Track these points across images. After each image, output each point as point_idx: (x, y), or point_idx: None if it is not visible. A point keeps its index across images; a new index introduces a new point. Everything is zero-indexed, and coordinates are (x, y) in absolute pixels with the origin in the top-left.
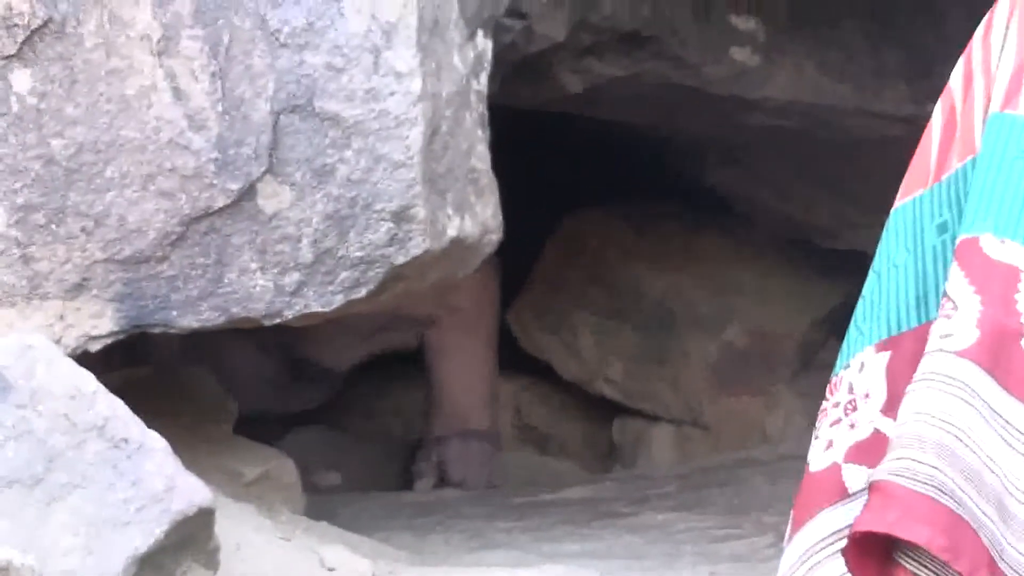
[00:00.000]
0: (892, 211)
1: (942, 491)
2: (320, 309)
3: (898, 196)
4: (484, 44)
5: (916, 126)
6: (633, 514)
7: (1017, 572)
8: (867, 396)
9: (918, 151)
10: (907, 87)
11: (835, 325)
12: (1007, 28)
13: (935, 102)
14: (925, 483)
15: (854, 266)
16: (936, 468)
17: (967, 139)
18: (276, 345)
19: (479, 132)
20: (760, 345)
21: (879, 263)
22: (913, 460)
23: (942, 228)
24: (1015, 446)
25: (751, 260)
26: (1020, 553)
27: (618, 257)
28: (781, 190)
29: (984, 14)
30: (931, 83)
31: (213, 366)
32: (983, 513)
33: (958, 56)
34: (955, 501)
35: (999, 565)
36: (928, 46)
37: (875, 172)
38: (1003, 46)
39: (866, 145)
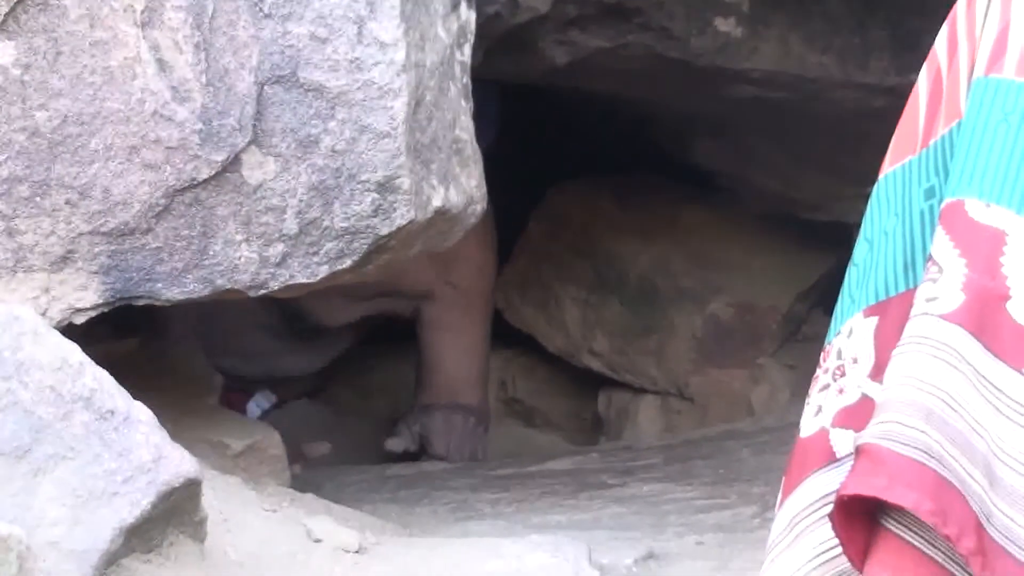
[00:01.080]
0: (881, 178)
1: (929, 455)
2: (305, 280)
3: (886, 163)
4: (468, 15)
5: (901, 97)
6: (619, 485)
7: (1004, 536)
8: (855, 361)
9: (904, 117)
10: (892, 58)
11: (820, 297)
12: None
13: (919, 74)
14: (912, 447)
15: (838, 238)
16: (923, 432)
17: (952, 104)
18: (274, 300)
19: (463, 103)
20: (745, 318)
21: (871, 231)
22: (900, 424)
23: (929, 193)
24: (1003, 410)
25: (736, 233)
26: (1008, 517)
27: (603, 230)
28: (766, 163)
29: None
30: (916, 54)
31: (208, 318)
32: (971, 477)
33: (942, 26)
34: (942, 465)
35: (986, 529)
36: (912, 18)
37: (860, 144)
38: (987, 10)
39: (851, 117)
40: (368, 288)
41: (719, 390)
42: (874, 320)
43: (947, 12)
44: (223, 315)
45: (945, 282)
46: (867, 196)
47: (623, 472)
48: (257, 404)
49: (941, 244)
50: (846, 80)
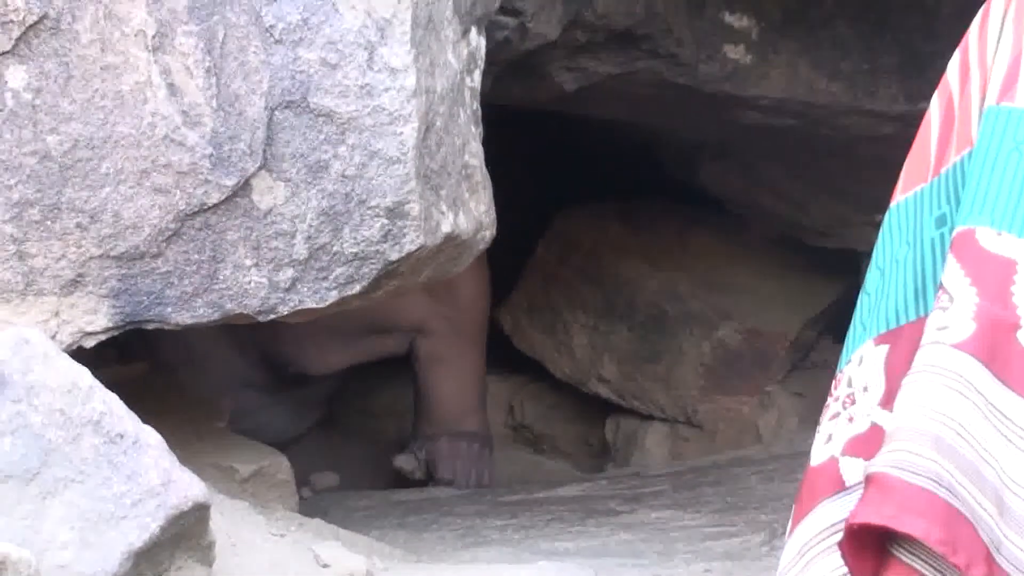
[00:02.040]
0: (893, 206)
1: (939, 484)
2: (314, 305)
3: (898, 191)
4: (478, 41)
5: (909, 124)
6: (627, 512)
7: (1014, 567)
8: (865, 389)
9: (916, 145)
10: (900, 85)
11: (828, 324)
12: (1003, 20)
13: (928, 100)
14: (922, 476)
15: (847, 264)
16: (934, 461)
17: (964, 132)
18: (255, 349)
19: (473, 128)
20: (753, 344)
21: (882, 259)
22: (910, 452)
23: (940, 221)
24: (1013, 440)
25: (744, 259)
26: (1017, 547)
27: (611, 256)
28: (775, 189)
29: (976, 11)
30: (924, 81)
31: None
32: (981, 507)
33: (951, 53)
34: (952, 494)
35: (996, 559)
36: (921, 44)
37: (869, 170)
38: (999, 38)
39: (860, 143)
40: (360, 324)
41: (727, 417)
42: (885, 348)
43: (956, 37)
44: (208, 375)
45: (956, 311)
46: (876, 223)
47: (631, 499)
48: None
49: (952, 273)
50: (855, 106)
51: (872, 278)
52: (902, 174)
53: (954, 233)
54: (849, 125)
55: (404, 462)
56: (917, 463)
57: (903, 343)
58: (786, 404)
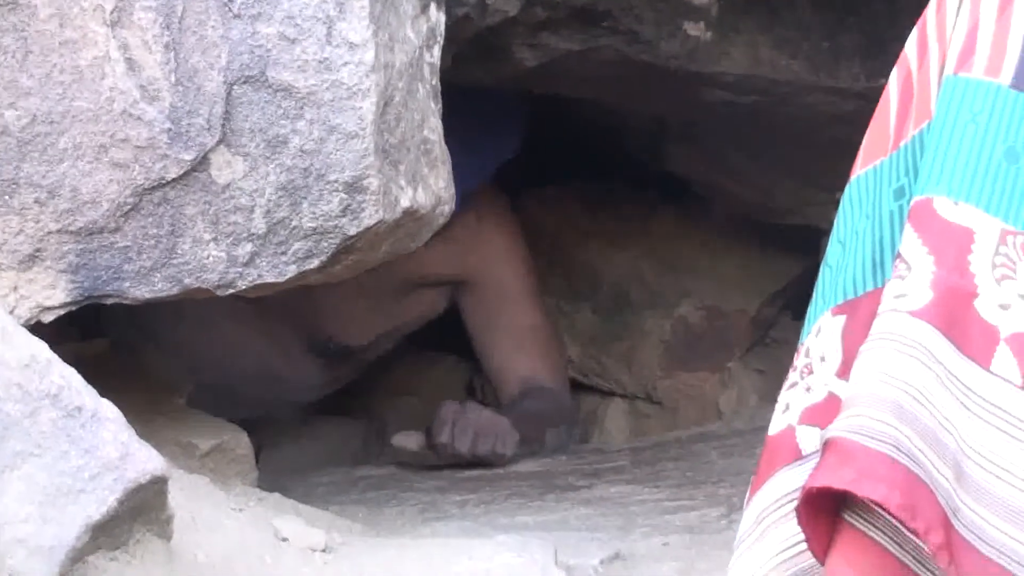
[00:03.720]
0: (853, 180)
1: (899, 449)
2: (273, 279)
3: (857, 165)
4: (437, 16)
5: (871, 101)
6: (586, 487)
7: (971, 531)
8: (823, 359)
9: (875, 120)
10: (862, 63)
11: (788, 301)
12: None
13: (890, 75)
14: (882, 441)
15: (808, 242)
16: (893, 427)
17: (923, 105)
18: (294, 328)
19: (432, 104)
20: (714, 322)
21: (843, 232)
22: (870, 418)
23: (899, 193)
24: (971, 408)
25: (707, 239)
26: (974, 512)
27: (574, 238)
28: (738, 170)
29: None
30: (886, 59)
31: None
32: (940, 474)
33: (909, 33)
34: (912, 460)
35: (954, 524)
36: (883, 22)
37: (831, 149)
38: (958, 11)
39: (822, 122)
40: (393, 286)
41: (688, 394)
42: (842, 319)
43: (917, 17)
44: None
45: (913, 279)
46: (837, 200)
47: (591, 474)
48: None
49: (910, 242)
50: (817, 84)
51: (833, 251)
52: (862, 148)
53: (912, 203)
54: (810, 103)
55: (403, 440)
56: (877, 428)
57: (861, 313)
58: (746, 381)
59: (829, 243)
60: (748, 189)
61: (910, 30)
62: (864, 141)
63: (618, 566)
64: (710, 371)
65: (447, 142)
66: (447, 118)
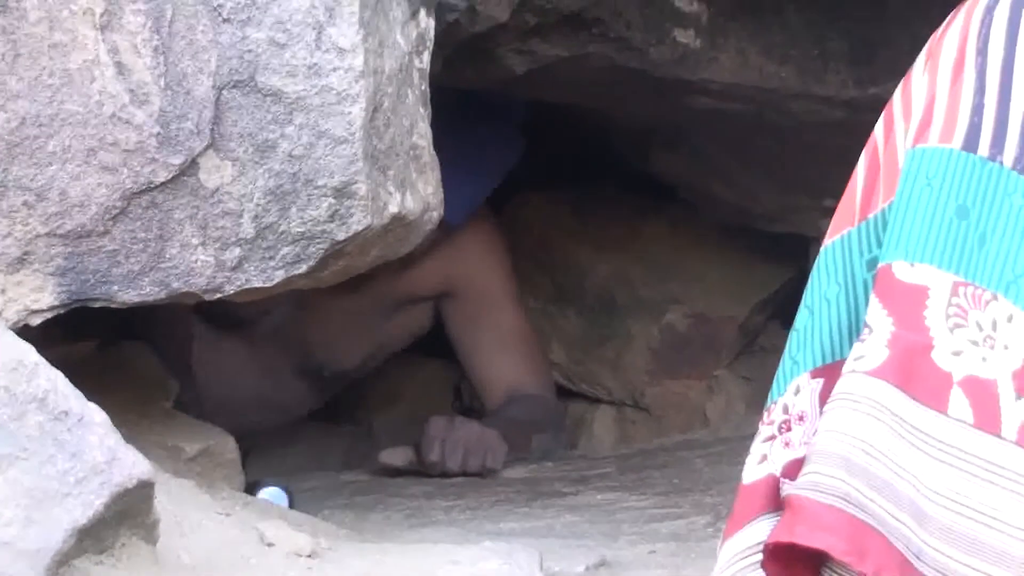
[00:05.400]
0: (822, 250)
1: (847, 501)
2: (261, 284)
3: (827, 236)
4: (427, 22)
5: (857, 110)
6: (573, 494)
7: (937, 570)
8: (801, 418)
9: (844, 195)
10: (849, 71)
11: (776, 309)
12: (924, 73)
13: (877, 86)
14: (831, 494)
15: (796, 250)
16: (842, 480)
17: (890, 180)
18: (284, 354)
19: (421, 110)
20: (702, 329)
21: (811, 299)
22: (820, 474)
23: (871, 264)
24: (930, 452)
25: (694, 245)
26: (939, 552)
27: (562, 243)
28: (726, 176)
29: None
30: (873, 68)
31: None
32: (895, 519)
33: (900, 40)
34: (861, 509)
35: (916, 566)
36: (870, 31)
37: (818, 156)
38: (922, 91)
39: (810, 130)
40: (380, 306)
41: (675, 401)
42: (819, 382)
43: (906, 26)
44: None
45: (872, 341)
46: (824, 208)
47: (577, 481)
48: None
49: (872, 308)
50: (804, 91)
51: (801, 317)
52: (832, 221)
53: (875, 272)
54: (798, 110)
55: (390, 456)
56: (826, 483)
57: (836, 378)
58: (734, 388)
59: (799, 309)
60: (735, 195)
61: (899, 37)
62: (834, 216)
63: (604, 573)
64: (697, 378)
65: (449, 162)
66: (448, 137)
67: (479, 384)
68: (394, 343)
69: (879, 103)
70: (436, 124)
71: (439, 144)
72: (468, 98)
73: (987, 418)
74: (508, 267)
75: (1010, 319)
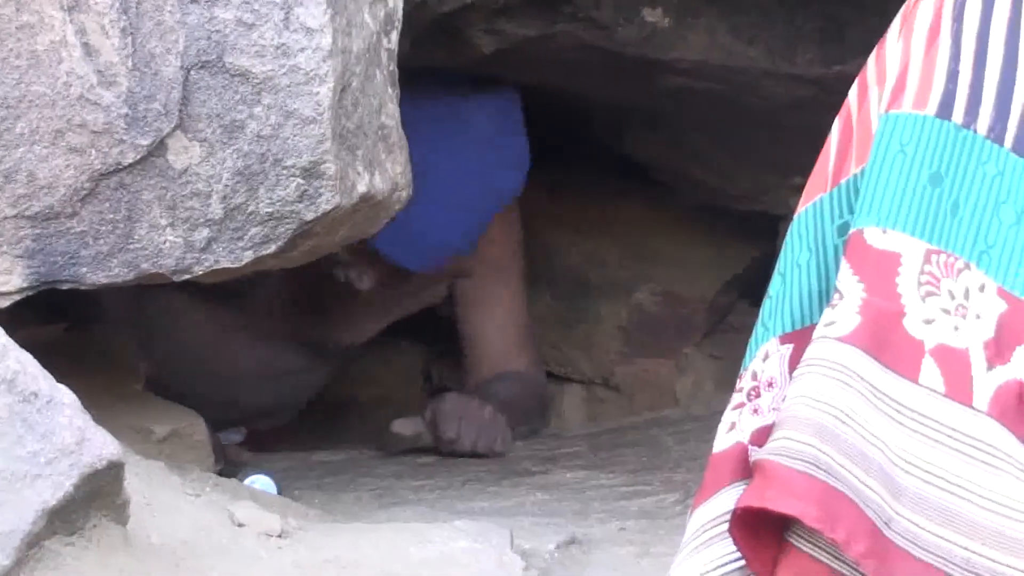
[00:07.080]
0: (795, 217)
1: (818, 466)
2: (230, 265)
3: (800, 204)
4: (395, 2)
5: (826, 87)
6: (542, 472)
7: (906, 539)
8: (770, 385)
9: (817, 163)
10: (818, 50)
11: (745, 287)
12: (898, 39)
13: (846, 65)
14: (801, 460)
15: (765, 229)
16: (812, 446)
17: (863, 145)
18: (295, 331)
19: (390, 90)
20: (671, 308)
21: (784, 264)
22: (791, 440)
23: (842, 229)
24: (902, 421)
25: (668, 226)
26: (910, 521)
27: (538, 224)
28: (699, 157)
29: None
30: (842, 46)
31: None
32: (865, 486)
33: (870, 19)
34: (831, 476)
35: (885, 534)
36: (840, 10)
37: (788, 135)
38: (896, 56)
39: (780, 108)
40: (412, 276)
41: (645, 379)
42: (789, 347)
43: (877, 6)
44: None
45: (843, 307)
46: (794, 186)
47: (547, 459)
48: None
49: (843, 274)
50: (773, 70)
51: (774, 283)
52: (805, 188)
53: (846, 237)
54: (768, 89)
55: (402, 427)
56: (796, 449)
57: (805, 344)
58: (703, 367)
59: (772, 276)
60: (711, 176)
61: (869, 16)
62: (807, 184)
63: (574, 550)
64: (667, 357)
65: (466, 183)
66: (464, 153)
67: (473, 355)
68: (405, 315)
69: (848, 81)
70: (442, 148)
71: (448, 169)
72: (479, 114)
73: (959, 388)
74: (522, 241)
75: (982, 288)
